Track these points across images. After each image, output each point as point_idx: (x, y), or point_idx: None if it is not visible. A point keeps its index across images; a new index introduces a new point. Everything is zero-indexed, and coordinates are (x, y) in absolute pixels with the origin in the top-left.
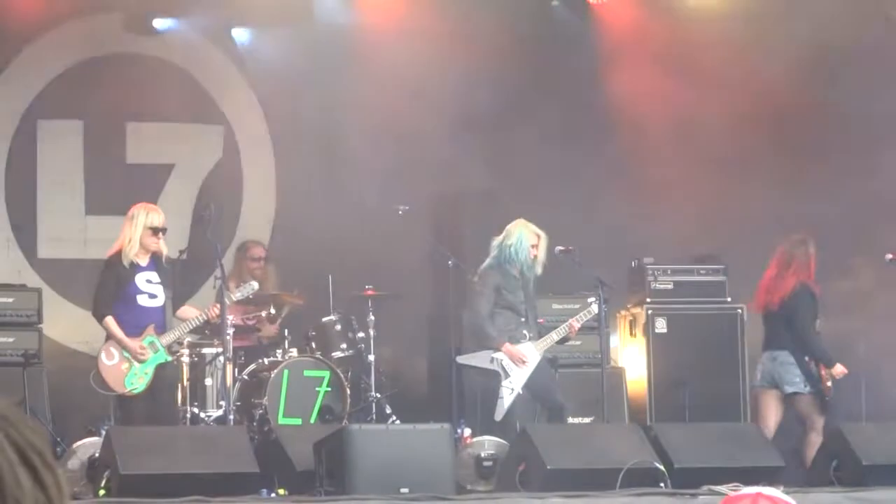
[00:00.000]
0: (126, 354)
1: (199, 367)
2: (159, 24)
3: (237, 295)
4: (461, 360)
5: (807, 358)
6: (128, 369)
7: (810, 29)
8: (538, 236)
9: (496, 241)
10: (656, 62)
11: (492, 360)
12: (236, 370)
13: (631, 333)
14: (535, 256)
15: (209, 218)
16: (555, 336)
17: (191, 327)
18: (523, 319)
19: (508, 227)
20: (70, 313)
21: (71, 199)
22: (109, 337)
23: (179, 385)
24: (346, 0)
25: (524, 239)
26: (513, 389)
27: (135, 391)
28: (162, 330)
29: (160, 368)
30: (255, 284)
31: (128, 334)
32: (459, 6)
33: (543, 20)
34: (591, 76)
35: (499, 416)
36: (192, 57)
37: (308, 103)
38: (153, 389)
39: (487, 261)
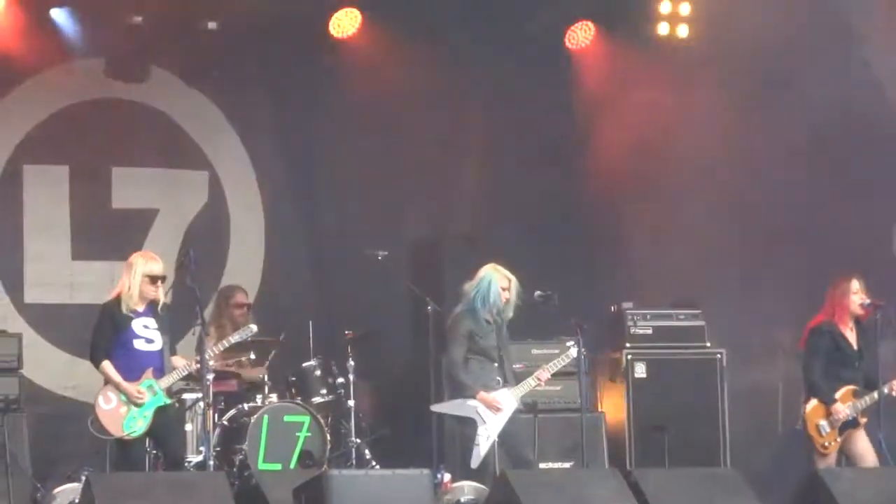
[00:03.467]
0: (124, 398)
1: (179, 412)
2: (140, 70)
3: (235, 338)
4: (436, 408)
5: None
6: (126, 413)
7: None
8: (509, 280)
9: (466, 286)
10: (634, 107)
11: (467, 407)
12: (216, 416)
13: (611, 378)
14: (507, 300)
15: (188, 264)
16: (532, 383)
17: (184, 373)
18: (496, 364)
19: (479, 271)
20: (56, 358)
21: (57, 243)
22: (108, 381)
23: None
24: (327, 45)
25: (494, 283)
26: (489, 437)
27: (133, 434)
28: (161, 374)
29: (160, 412)
30: (254, 328)
31: (126, 379)
32: (442, 52)
33: (524, 66)
34: (570, 123)
35: (475, 464)
36: (175, 102)
37: (291, 148)
38: (157, 434)
39: (459, 307)
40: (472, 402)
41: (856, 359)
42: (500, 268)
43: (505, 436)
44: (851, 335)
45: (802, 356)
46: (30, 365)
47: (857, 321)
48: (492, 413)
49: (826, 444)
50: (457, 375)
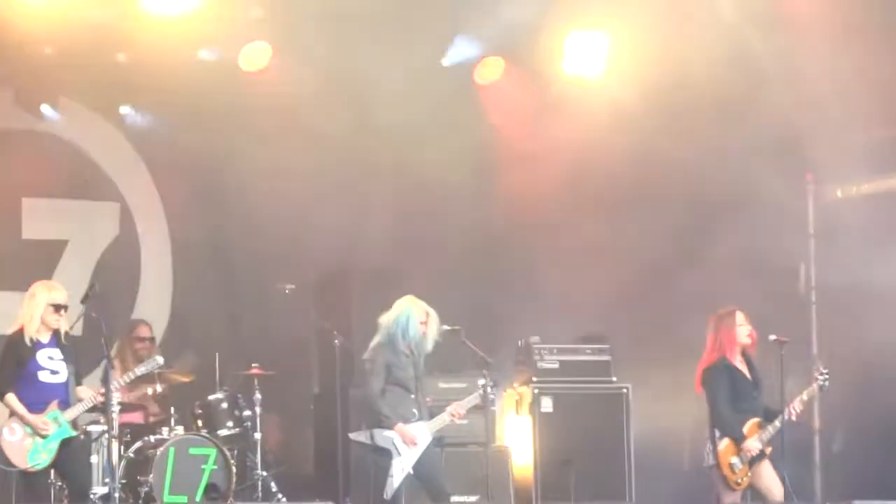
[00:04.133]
0: (29, 430)
1: (84, 444)
2: (50, 100)
3: (140, 370)
4: (354, 436)
5: (717, 433)
6: (31, 445)
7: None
8: (427, 313)
9: (384, 318)
10: (543, 142)
11: (384, 437)
12: (122, 447)
13: (517, 412)
14: (425, 333)
15: (93, 296)
16: (446, 418)
17: (90, 405)
18: (413, 396)
19: (397, 303)
20: None
21: None
22: (12, 413)
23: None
24: (238, 79)
25: (413, 316)
26: (403, 469)
27: (38, 466)
28: (66, 405)
29: (65, 444)
30: (160, 359)
31: (31, 410)
32: (352, 84)
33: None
34: (480, 158)
35: (388, 495)
36: (85, 133)
37: (200, 182)
38: (62, 466)
39: (377, 338)
40: (388, 433)
41: (752, 389)
42: (418, 301)
43: (419, 468)
44: (743, 367)
45: (707, 397)
46: None
47: (743, 352)
48: (407, 446)
49: (739, 480)
50: (375, 406)
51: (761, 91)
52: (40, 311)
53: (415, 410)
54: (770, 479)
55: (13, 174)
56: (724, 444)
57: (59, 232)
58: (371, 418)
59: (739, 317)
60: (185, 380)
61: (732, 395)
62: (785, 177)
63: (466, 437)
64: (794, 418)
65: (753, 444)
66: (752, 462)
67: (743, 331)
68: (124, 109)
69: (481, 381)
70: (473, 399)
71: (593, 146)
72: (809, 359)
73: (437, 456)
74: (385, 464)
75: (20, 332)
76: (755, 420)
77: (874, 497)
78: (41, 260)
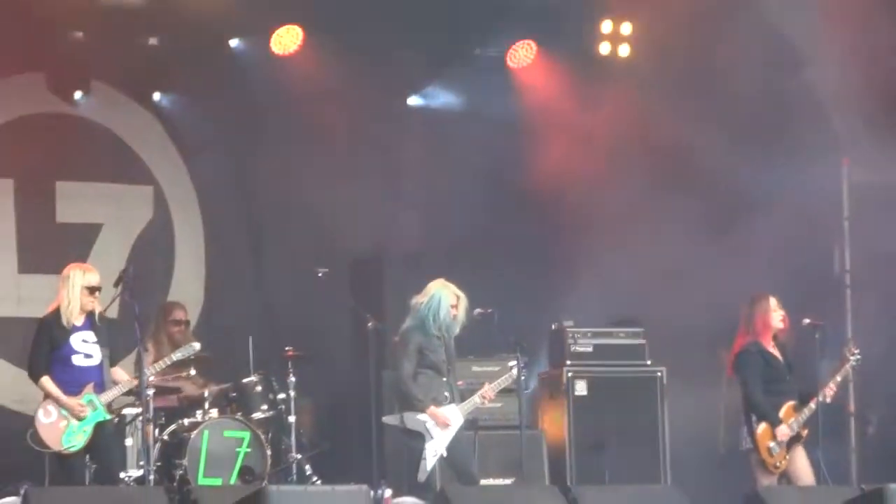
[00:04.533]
0: (64, 412)
1: (119, 427)
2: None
3: (177, 355)
4: (386, 420)
5: (753, 418)
6: (65, 427)
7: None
8: (458, 297)
9: (416, 301)
10: (576, 125)
11: (417, 421)
12: (157, 430)
13: (551, 396)
14: (455, 317)
15: (127, 279)
16: (477, 400)
17: (126, 389)
18: (444, 379)
19: (428, 287)
20: (4, 371)
21: (3, 257)
22: (48, 395)
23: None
24: (269, 62)
25: (444, 299)
26: (436, 451)
27: (72, 449)
28: (101, 388)
29: (100, 427)
30: (197, 346)
31: (66, 393)
32: (384, 69)
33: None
34: (512, 141)
35: (422, 478)
36: (118, 117)
37: (232, 164)
38: (95, 448)
39: (408, 321)
40: (421, 417)
41: (786, 372)
42: (449, 284)
43: (451, 451)
44: (776, 351)
45: (740, 381)
46: None
47: (775, 337)
48: (440, 428)
49: (777, 463)
50: (408, 389)
51: (796, 73)
52: (77, 293)
53: (447, 394)
54: (801, 464)
55: (47, 158)
56: (762, 428)
57: (94, 215)
58: (403, 402)
59: (773, 301)
60: (220, 387)
61: (766, 379)
62: (820, 160)
63: (500, 420)
64: (828, 400)
65: (787, 430)
66: (789, 444)
67: (776, 316)
68: (156, 94)
69: (511, 363)
70: (504, 381)
71: (625, 130)
72: (844, 342)
73: (468, 439)
74: (418, 447)
75: (55, 315)
76: (790, 403)
77: None
78: (76, 243)
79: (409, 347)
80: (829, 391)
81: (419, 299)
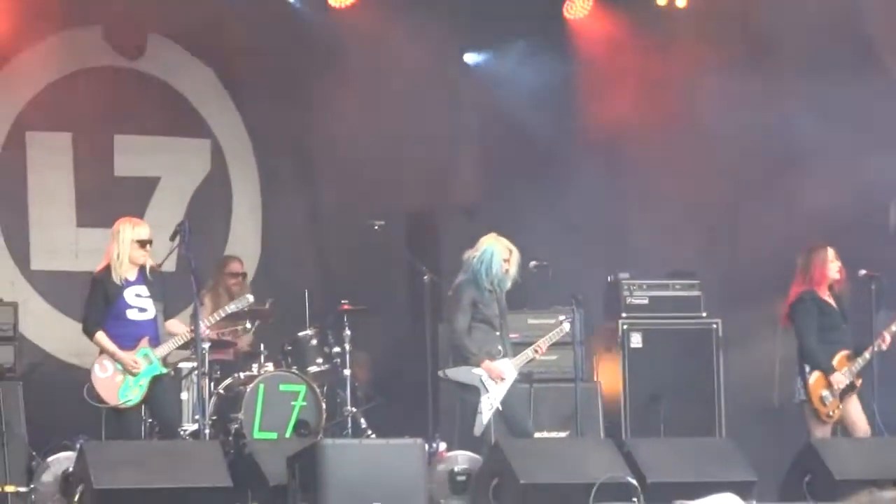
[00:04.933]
0: (119, 367)
1: (175, 380)
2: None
3: (231, 307)
4: (441, 374)
5: (807, 367)
6: (121, 382)
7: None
8: (510, 251)
9: (468, 255)
10: (632, 76)
11: (472, 375)
12: (212, 384)
13: (606, 348)
14: (507, 271)
15: (184, 233)
16: (530, 354)
17: (183, 341)
18: (497, 333)
19: (480, 241)
20: (63, 325)
21: (61, 210)
22: (103, 350)
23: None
24: (326, 15)
25: (497, 253)
26: (492, 405)
27: (129, 403)
28: (156, 342)
29: (156, 381)
30: (250, 298)
31: (121, 348)
32: (441, 23)
33: (523, 36)
34: (568, 92)
35: (478, 431)
36: (174, 70)
37: (289, 118)
38: (151, 402)
39: (461, 276)
40: (476, 371)
41: (841, 322)
42: (501, 238)
43: (505, 405)
44: (831, 300)
45: (794, 329)
46: (37, 332)
47: (830, 287)
48: (494, 382)
49: (830, 413)
50: (462, 343)
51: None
52: (127, 248)
53: (500, 347)
54: (856, 415)
55: (104, 111)
56: (815, 377)
57: (152, 169)
58: (457, 355)
59: (830, 252)
60: (271, 316)
61: (820, 328)
62: (878, 111)
63: (556, 374)
64: (884, 347)
65: (841, 378)
66: (843, 393)
67: (833, 266)
68: (211, 44)
69: (561, 317)
70: (556, 334)
71: (683, 81)
72: None
73: (522, 393)
74: (473, 401)
75: (107, 270)
76: (845, 352)
77: None
78: (134, 197)
79: (463, 301)
80: (884, 340)
81: (471, 253)
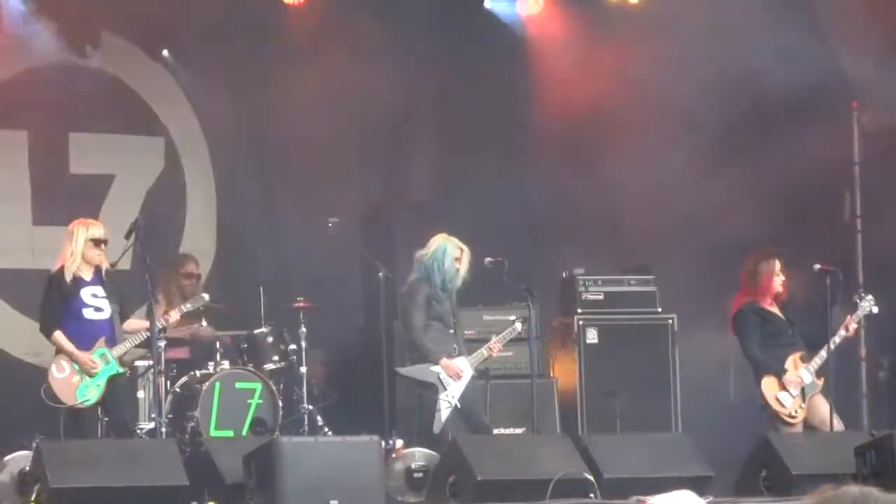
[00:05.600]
0: (77, 367)
1: (131, 379)
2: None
3: (187, 306)
4: (401, 371)
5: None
6: (79, 382)
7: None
8: (461, 250)
9: (419, 254)
10: (585, 72)
11: (430, 372)
12: (168, 383)
13: (562, 344)
14: (458, 270)
15: (138, 230)
16: (484, 352)
17: (139, 340)
18: (452, 332)
19: (432, 240)
20: (18, 324)
21: (17, 208)
22: (60, 350)
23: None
24: (278, 12)
25: (448, 252)
26: (450, 402)
27: (86, 403)
28: (112, 342)
29: (112, 380)
30: (206, 297)
31: (78, 348)
32: (394, 18)
33: (476, 30)
34: (521, 89)
35: (437, 429)
36: (128, 68)
37: (240, 115)
38: (107, 402)
39: (414, 274)
40: (434, 368)
41: (787, 328)
42: (452, 238)
43: (463, 402)
44: (775, 309)
45: (739, 340)
46: None
47: (776, 297)
48: (452, 379)
49: (792, 413)
50: (420, 341)
51: (803, 14)
52: (80, 247)
53: (454, 345)
54: (823, 413)
55: (60, 109)
56: (766, 381)
57: (106, 166)
58: (414, 353)
59: (777, 265)
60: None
61: (766, 336)
62: (829, 103)
63: (512, 370)
64: (850, 332)
65: (794, 377)
66: (805, 395)
67: (777, 280)
68: (164, 42)
69: (512, 317)
70: (510, 333)
71: (637, 75)
72: (855, 287)
73: (479, 390)
74: (432, 398)
75: (62, 271)
76: (797, 354)
77: None
78: (89, 195)
79: (418, 299)
80: (847, 331)
81: (423, 253)
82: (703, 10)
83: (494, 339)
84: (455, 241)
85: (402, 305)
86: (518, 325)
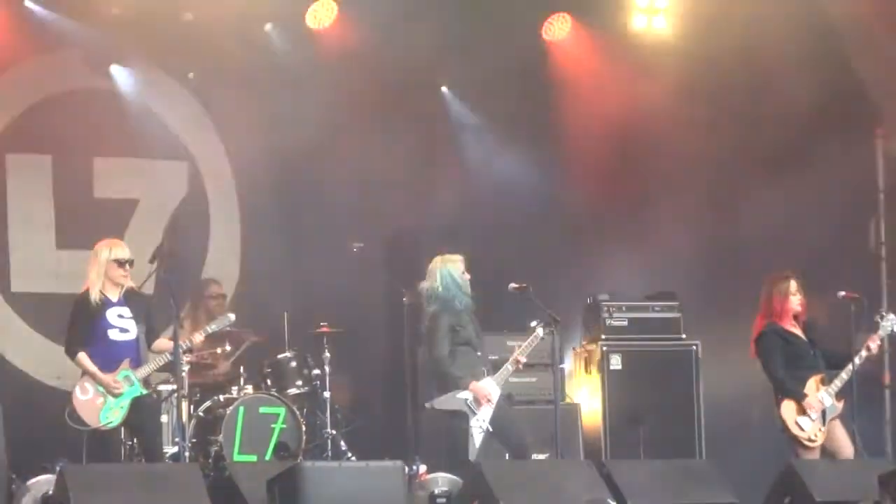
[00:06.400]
0: (101, 389)
1: (156, 402)
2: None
3: (212, 327)
4: (432, 405)
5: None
6: (102, 404)
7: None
8: (459, 260)
9: (426, 285)
10: (611, 99)
11: (458, 400)
12: (192, 407)
13: (586, 370)
14: (468, 278)
15: (162, 255)
16: (510, 367)
17: (164, 361)
18: (479, 354)
19: (431, 268)
20: (42, 347)
21: (42, 233)
22: (85, 372)
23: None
24: (304, 37)
25: (454, 271)
26: (482, 427)
27: (110, 425)
28: (137, 364)
29: (137, 402)
30: (232, 317)
31: (103, 370)
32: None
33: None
34: (547, 115)
35: (472, 456)
36: (154, 92)
37: (268, 140)
38: (134, 425)
39: (432, 306)
40: (462, 394)
41: (809, 349)
42: (444, 256)
43: (496, 425)
44: (796, 330)
45: (762, 363)
46: (18, 354)
47: (795, 317)
48: (481, 404)
49: (812, 436)
50: (446, 370)
51: (828, 44)
52: (104, 268)
53: (483, 368)
54: (841, 439)
55: (84, 133)
56: (786, 405)
57: (130, 191)
58: (442, 384)
59: (793, 285)
60: (256, 339)
61: (788, 357)
62: (853, 132)
63: (535, 395)
64: (872, 351)
65: (816, 401)
66: (825, 419)
67: (795, 300)
68: (190, 67)
69: (533, 325)
70: (532, 343)
71: (662, 102)
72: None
73: (512, 410)
74: (462, 426)
75: (88, 292)
76: (818, 377)
77: None
78: (113, 219)
79: (441, 329)
80: (870, 349)
81: (428, 284)
82: (734, 38)
83: (518, 350)
84: (448, 257)
85: (426, 340)
86: (540, 332)
